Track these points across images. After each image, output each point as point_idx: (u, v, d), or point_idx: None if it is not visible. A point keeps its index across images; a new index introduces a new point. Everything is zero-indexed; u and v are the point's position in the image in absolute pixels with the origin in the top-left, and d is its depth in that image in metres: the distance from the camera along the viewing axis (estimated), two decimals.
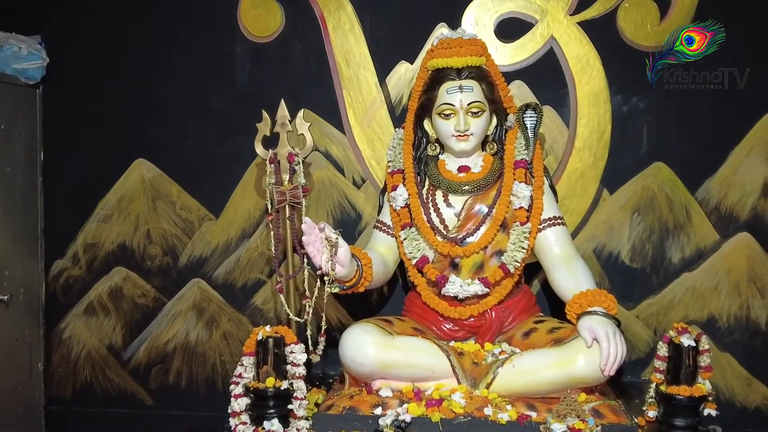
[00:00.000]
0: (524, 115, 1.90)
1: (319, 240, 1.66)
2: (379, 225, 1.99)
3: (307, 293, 1.96)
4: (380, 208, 2.04)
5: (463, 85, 1.84)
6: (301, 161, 2.01)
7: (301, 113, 2.07)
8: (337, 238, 1.66)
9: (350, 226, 2.23)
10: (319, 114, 2.19)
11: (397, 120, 2.17)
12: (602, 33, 2.08)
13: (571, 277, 1.80)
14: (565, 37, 2.10)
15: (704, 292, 2.13)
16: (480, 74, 1.87)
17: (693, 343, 1.61)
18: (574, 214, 2.15)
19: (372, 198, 2.22)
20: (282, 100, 2.06)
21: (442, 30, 2.10)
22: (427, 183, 1.94)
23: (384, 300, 2.24)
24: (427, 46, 2.02)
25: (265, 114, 2.07)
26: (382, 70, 2.17)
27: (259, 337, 1.68)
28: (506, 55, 2.12)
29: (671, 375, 1.62)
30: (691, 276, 2.14)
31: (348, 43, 2.17)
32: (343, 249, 1.68)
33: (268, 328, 1.69)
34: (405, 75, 2.16)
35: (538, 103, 1.94)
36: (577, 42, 2.09)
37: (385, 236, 1.96)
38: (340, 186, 2.23)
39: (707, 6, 1.98)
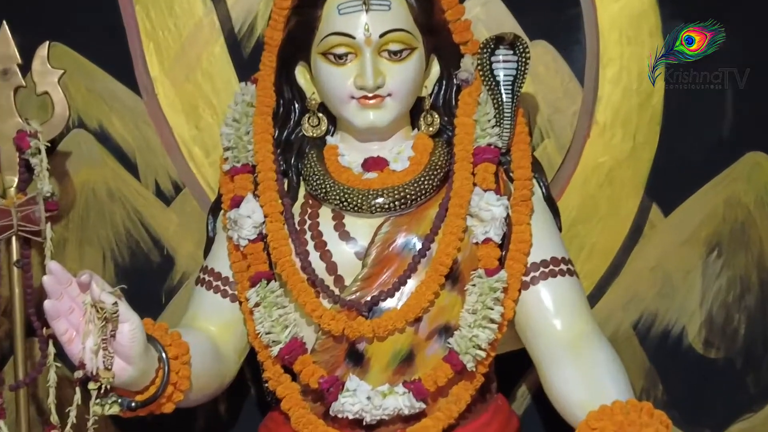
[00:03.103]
0: (493, 59, 1.93)
1: (79, 308, 1.62)
2: (208, 278, 2.01)
3: (54, 419, 1.96)
4: (209, 242, 2.07)
5: None
6: (43, 149, 2.01)
7: (44, 50, 2.11)
8: (116, 303, 1.62)
9: (150, 280, 2.28)
10: (87, 54, 2.23)
11: (246, 68, 2.21)
12: None
13: (582, 378, 1.84)
14: None
15: None
16: None
17: None
18: (594, 254, 2.20)
19: (195, 223, 2.25)
20: (3, 23, 2.10)
21: None
22: (302, 191, 1.98)
23: (218, 427, 2.29)
24: None
25: None
26: None
27: None
28: None
29: None
30: None
31: None
32: (130, 326, 1.63)
33: None
34: None
35: (519, 35, 1.95)
36: None
37: (220, 300, 1.99)
38: (130, 198, 2.27)
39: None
